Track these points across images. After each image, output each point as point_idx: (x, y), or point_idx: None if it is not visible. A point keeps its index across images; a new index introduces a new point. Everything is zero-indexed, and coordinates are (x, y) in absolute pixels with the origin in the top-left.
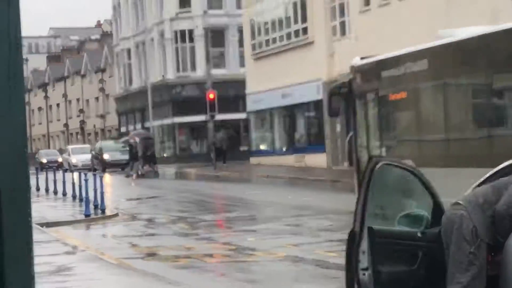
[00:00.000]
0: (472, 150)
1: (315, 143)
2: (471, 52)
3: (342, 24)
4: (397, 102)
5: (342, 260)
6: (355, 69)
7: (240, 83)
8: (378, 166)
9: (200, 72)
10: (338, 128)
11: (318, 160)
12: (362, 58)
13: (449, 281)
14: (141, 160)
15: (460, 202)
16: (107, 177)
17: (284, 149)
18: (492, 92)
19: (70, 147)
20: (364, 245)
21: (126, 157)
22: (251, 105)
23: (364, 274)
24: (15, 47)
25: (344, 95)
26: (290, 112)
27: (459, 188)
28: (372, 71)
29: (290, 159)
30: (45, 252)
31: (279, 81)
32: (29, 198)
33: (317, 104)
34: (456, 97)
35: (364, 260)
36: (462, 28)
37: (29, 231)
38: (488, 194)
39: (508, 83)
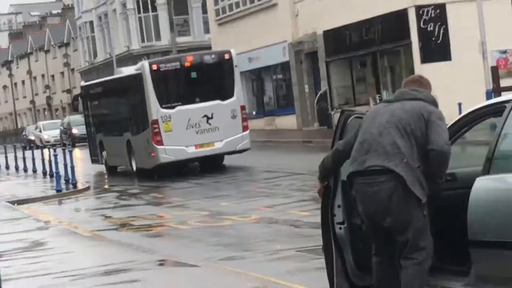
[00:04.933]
0: (113, 130)
1: (285, 105)
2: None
3: None
4: (97, 105)
5: (315, 219)
6: (81, 87)
7: (206, 50)
8: (349, 119)
9: (165, 41)
10: (307, 89)
11: (288, 122)
12: (85, 82)
13: (411, 250)
14: None
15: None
16: (77, 152)
17: (254, 113)
18: (121, 103)
19: (41, 123)
20: (339, 199)
21: None
22: None
23: (340, 228)
24: None
25: (79, 100)
26: (257, 75)
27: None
28: (87, 89)
29: (260, 123)
30: (18, 229)
31: (245, 45)
32: None
33: (284, 66)
34: (111, 106)
35: (339, 215)
36: (126, 68)
37: None
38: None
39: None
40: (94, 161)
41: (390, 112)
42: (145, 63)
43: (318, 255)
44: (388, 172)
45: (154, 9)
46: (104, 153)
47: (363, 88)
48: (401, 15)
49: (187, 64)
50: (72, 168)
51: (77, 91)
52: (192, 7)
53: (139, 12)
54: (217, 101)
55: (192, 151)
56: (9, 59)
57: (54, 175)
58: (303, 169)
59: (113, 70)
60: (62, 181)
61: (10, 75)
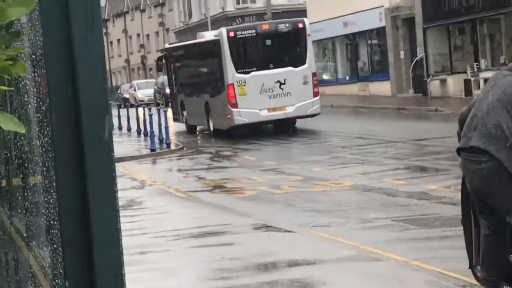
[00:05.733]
0: (193, 91)
1: (379, 71)
2: (194, 49)
3: None
4: (179, 66)
5: (410, 188)
6: (165, 49)
7: (301, 13)
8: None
9: (260, 3)
10: (402, 55)
11: (382, 88)
12: (169, 44)
13: None
14: None
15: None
16: (170, 112)
17: (347, 78)
18: (200, 66)
19: (135, 82)
20: None
21: None
22: (312, 35)
23: None
24: None
25: (163, 61)
26: (352, 40)
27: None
28: (171, 51)
29: (353, 88)
30: None
31: (340, 9)
32: (111, 134)
33: (380, 31)
34: (191, 68)
35: None
36: (207, 32)
37: (112, 167)
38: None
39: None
40: (175, 119)
41: (503, 89)
42: (223, 30)
43: (414, 225)
44: (490, 153)
45: None
46: (185, 112)
47: (460, 56)
48: None
49: (262, 32)
50: (166, 128)
51: None
52: None
53: None
54: (290, 68)
55: (265, 114)
56: (106, 17)
57: (149, 134)
58: (396, 137)
59: (207, 30)
60: (156, 140)
61: (106, 34)
